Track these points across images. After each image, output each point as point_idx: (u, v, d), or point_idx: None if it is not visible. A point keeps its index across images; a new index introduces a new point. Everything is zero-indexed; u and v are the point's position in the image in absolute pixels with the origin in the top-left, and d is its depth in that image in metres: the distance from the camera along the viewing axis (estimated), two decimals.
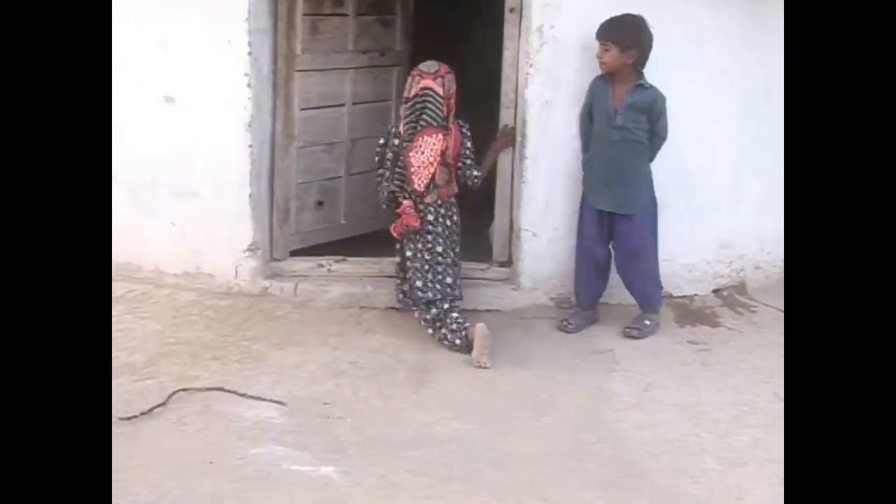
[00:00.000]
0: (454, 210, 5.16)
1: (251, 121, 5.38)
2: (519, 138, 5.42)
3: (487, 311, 5.47)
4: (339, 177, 6.03)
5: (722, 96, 5.68)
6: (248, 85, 5.34)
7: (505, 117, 5.49)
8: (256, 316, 5.38)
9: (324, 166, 5.90)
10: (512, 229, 5.58)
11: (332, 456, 3.90)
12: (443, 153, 5.03)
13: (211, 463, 3.83)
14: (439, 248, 5.09)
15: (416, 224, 5.03)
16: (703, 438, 4.09)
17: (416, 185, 5.02)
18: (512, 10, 5.38)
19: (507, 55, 5.44)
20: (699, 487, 3.69)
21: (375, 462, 3.85)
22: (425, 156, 5.00)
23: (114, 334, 4.91)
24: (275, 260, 5.67)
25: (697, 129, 5.56)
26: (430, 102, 4.98)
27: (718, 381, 4.76)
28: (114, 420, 3.94)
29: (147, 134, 5.55)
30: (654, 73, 5.24)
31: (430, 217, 5.08)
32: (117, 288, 5.54)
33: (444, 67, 5.06)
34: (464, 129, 5.18)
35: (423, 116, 4.98)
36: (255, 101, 5.38)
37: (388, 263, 5.51)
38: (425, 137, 4.99)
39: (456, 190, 5.19)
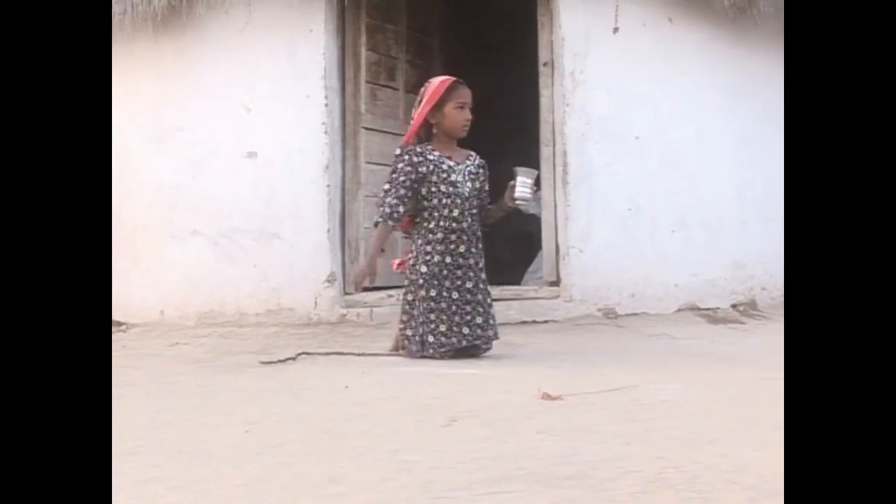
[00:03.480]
0: (411, 247, 4.82)
1: (328, 164, 6.16)
2: (560, 168, 6.25)
3: (545, 321, 6.11)
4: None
5: (720, 137, 6.67)
6: (325, 132, 6.16)
7: (545, 153, 6.34)
8: (338, 336, 5.92)
9: None
10: (558, 251, 6.30)
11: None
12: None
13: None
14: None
15: (394, 267, 4.96)
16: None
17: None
18: (545, 64, 6.36)
19: (544, 101, 6.36)
20: None
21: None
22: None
23: (211, 350, 5.38)
24: (347, 293, 6.29)
25: (703, 165, 6.51)
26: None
27: (767, 339, 5.48)
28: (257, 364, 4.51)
29: (232, 186, 6.28)
30: (664, 121, 6.26)
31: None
32: (201, 332, 6.08)
33: (426, 81, 4.86)
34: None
35: None
36: (331, 147, 6.18)
37: None
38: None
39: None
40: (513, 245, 7.71)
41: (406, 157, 4.63)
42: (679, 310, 6.36)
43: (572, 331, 5.89)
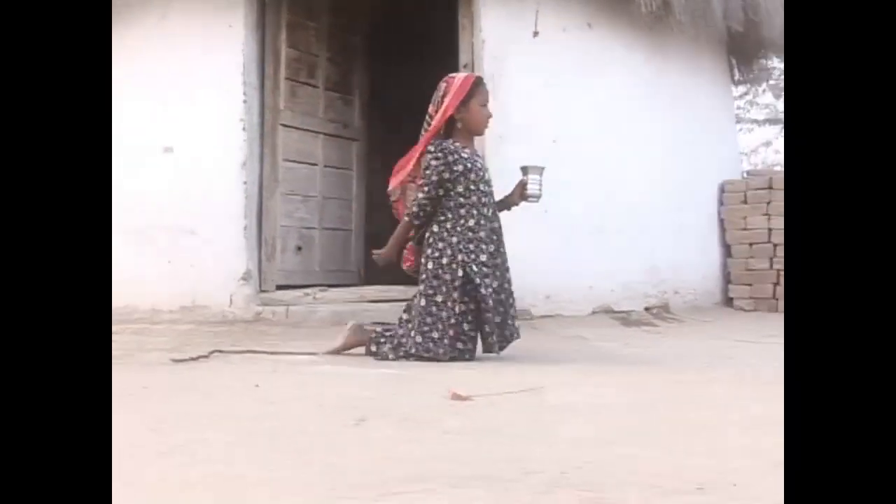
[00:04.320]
0: (434, 242, 4.54)
1: (245, 160, 6.11)
2: None
3: None
4: (315, 228, 6.74)
5: (637, 144, 6.78)
6: (244, 129, 6.12)
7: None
8: (253, 335, 5.88)
9: (301, 215, 6.62)
10: None
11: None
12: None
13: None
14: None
15: (407, 266, 4.77)
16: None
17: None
18: (465, 66, 6.39)
19: None
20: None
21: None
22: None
23: (122, 348, 5.27)
24: (263, 291, 6.25)
25: (620, 171, 6.62)
26: (424, 123, 4.75)
27: (678, 341, 5.57)
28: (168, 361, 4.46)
29: (147, 181, 6.20)
30: (582, 126, 6.35)
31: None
32: (114, 329, 5.98)
33: (445, 79, 4.76)
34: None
35: None
36: (249, 144, 6.14)
37: (368, 290, 6.18)
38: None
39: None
40: None
41: (441, 154, 4.49)
42: (594, 312, 6.45)
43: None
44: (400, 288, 6.26)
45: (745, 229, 7.86)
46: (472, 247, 4.45)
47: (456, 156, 4.50)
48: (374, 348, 4.52)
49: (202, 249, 6.12)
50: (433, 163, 4.48)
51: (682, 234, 7.18)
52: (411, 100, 8.02)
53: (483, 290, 4.39)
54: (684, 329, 6.34)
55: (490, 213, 4.60)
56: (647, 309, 6.75)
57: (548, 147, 6.37)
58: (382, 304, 6.07)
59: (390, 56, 8.05)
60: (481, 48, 6.23)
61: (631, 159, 6.65)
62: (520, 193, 4.71)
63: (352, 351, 4.69)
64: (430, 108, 4.66)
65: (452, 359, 4.38)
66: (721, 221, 7.98)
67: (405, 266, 4.73)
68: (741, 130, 15.11)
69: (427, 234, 4.54)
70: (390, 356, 4.44)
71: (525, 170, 4.72)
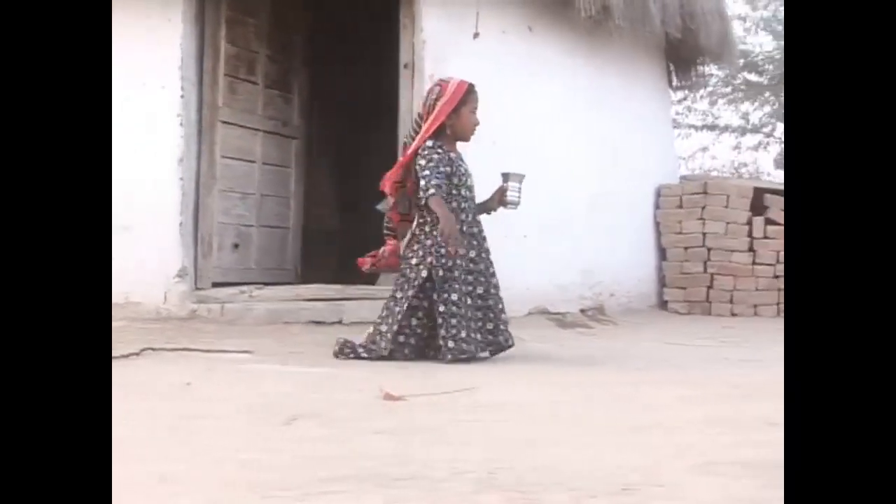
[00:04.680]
0: (411, 244, 4.63)
1: (182, 157, 6.05)
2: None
3: None
4: (252, 225, 6.69)
5: (576, 147, 6.84)
6: (181, 124, 6.05)
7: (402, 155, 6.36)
8: (187, 332, 5.82)
9: (239, 213, 6.57)
10: None
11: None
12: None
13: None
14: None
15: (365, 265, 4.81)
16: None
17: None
18: (406, 66, 6.38)
19: (404, 103, 6.39)
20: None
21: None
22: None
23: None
24: (199, 289, 6.19)
25: (558, 173, 6.67)
26: (413, 124, 4.82)
27: (612, 343, 5.63)
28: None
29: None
30: (522, 128, 6.39)
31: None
32: None
33: (438, 82, 4.81)
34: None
35: None
36: (185, 140, 6.07)
37: (305, 289, 6.16)
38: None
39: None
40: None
41: (438, 150, 4.51)
42: (530, 313, 6.49)
43: None
44: (337, 287, 6.24)
45: (680, 233, 7.97)
46: (443, 251, 4.43)
47: (441, 156, 4.52)
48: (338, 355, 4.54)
49: (136, 246, 6.02)
50: (434, 156, 4.48)
51: (618, 237, 7.25)
52: (352, 99, 8.08)
53: (435, 296, 4.39)
54: (618, 331, 6.41)
55: (469, 219, 4.63)
56: (582, 311, 6.81)
57: (487, 148, 6.37)
58: (318, 303, 6.04)
59: (331, 54, 8.02)
60: (422, 48, 6.23)
61: (569, 162, 6.70)
62: (499, 199, 4.75)
63: (294, 350, 4.69)
64: (421, 110, 4.69)
65: (392, 352, 4.40)
66: (657, 225, 8.08)
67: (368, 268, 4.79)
68: (679, 136, 15.30)
69: (409, 237, 4.60)
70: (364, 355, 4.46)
71: (506, 176, 4.77)
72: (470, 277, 4.54)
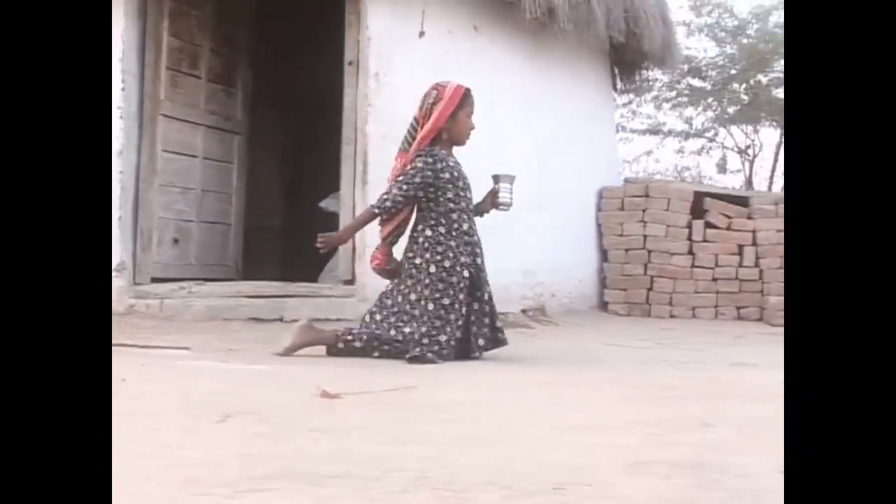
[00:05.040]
0: (432, 246, 4.58)
1: (122, 150, 5.98)
2: (360, 167, 6.28)
3: (338, 319, 6.11)
4: (192, 221, 6.63)
5: (519, 147, 6.87)
6: (121, 117, 5.98)
7: (346, 152, 6.35)
8: (125, 327, 5.75)
9: (179, 208, 6.51)
10: (355, 251, 6.32)
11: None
12: None
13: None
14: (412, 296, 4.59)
15: (375, 265, 4.79)
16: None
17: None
18: (351, 63, 6.37)
19: (347, 100, 6.38)
20: None
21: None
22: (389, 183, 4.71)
23: None
24: (137, 284, 6.12)
25: (482, 182, 6.69)
26: (409, 127, 4.76)
27: (553, 343, 5.66)
28: None
29: None
30: (489, 139, 6.36)
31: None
32: None
33: (435, 86, 4.76)
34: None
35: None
36: (125, 133, 6.00)
37: (245, 286, 6.11)
38: (394, 163, 4.78)
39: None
40: None
41: (430, 160, 4.55)
42: None
43: None
44: (278, 284, 6.22)
45: (621, 235, 8.04)
46: (469, 249, 4.58)
47: (444, 163, 4.58)
48: (341, 345, 4.51)
49: None
50: (419, 165, 4.52)
51: (560, 238, 7.29)
52: (296, 95, 8.04)
53: (478, 294, 4.58)
54: (559, 332, 6.45)
55: (472, 222, 4.73)
56: (523, 311, 6.84)
57: None
58: (259, 300, 6.01)
59: (276, 50, 7.98)
60: (367, 46, 6.22)
61: (507, 161, 6.69)
62: (491, 201, 4.82)
63: (234, 347, 4.65)
64: (417, 113, 4.69)
65: (455, 359, 4.46)
66: (599, 227, 8.14)
67: (373, 264, 4.78)
68: (623, 139, 15.43)
69: (420, 239, 4.57)
70: (374, 354, 4.45)
71: (497, 178, 4.85)
72: (483, 275, 4.69)
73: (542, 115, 6.97)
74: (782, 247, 7.76)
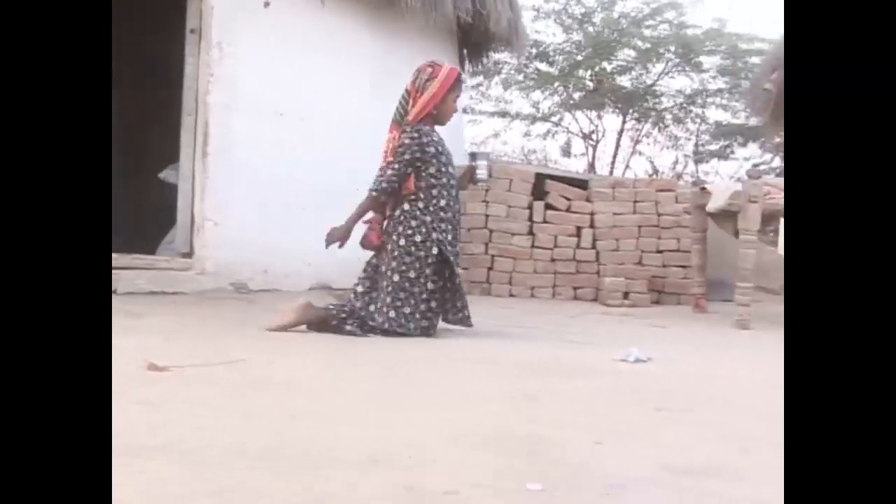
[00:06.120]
0: (407, 220, 4.64)
1: None
2: (201, 138, 6.15)
3: (175, 293, 6.00)
4: None
5: (363, 123, 6.84)
6: None
7: (187, 123, 6.22)
8: None
9: None
10: (194, 223, 6.21)
11: None
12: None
13: None
14: (382, 268, 4.69)
15: (374, 241, 4.78)
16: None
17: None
18: (193, 31, 6.22)
19: (189, 69, 6.24)
20: None
21: None
22: (383, 154, 4.77)
23: None
24: None
25: (342, 148, 6.68)
26: (400, 98, 4.81)
27: None
28: None
29: None
30: (310, 101, 6.36)
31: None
32: None
33: (430, 63, 4.84)
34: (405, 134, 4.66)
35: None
36: None
37: None
38: (386, 135, 4.80)
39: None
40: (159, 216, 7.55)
41: (416, 135, 4.63)
42: (311, 288, 6.49)
43: (202, 304, 5.82)
44: (112, 256, 6.02)
45: (464, 214, 8.11)
46: (443, 226, 4.66)
47: (428, 138, 4.67)
48: (334, 322, 4.55)
49: None
50: (407, 141, 4.63)
51: None
52: (136, 63, 7.77)
53: (456, 269, 4.67)
54: None
55: (455, 195, 4.77)
56: None
57: (274, 120, 6.35)
58: None
59: (114, 17, 7.71)
60: (210, 14, 6.10)
61: (352, 138, 6.69)
62: (469, 177, 4.95)
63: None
64: (410, 87, 4.77)
65: (420, 334, 4.55)
66: None
67: (367, 242, 4.82)
68: (471, 121, 15.58)
69: (398, 213, 4.66)
70: (357, 333, 4.50)
71: (474, 156, 5.04)
72: (455, 250, 4.77)
73: (389, 93, 6.92)
74: (618, 229, 8.00)
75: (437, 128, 4.83)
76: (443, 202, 4.69)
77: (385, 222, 4.76)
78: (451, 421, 2.55)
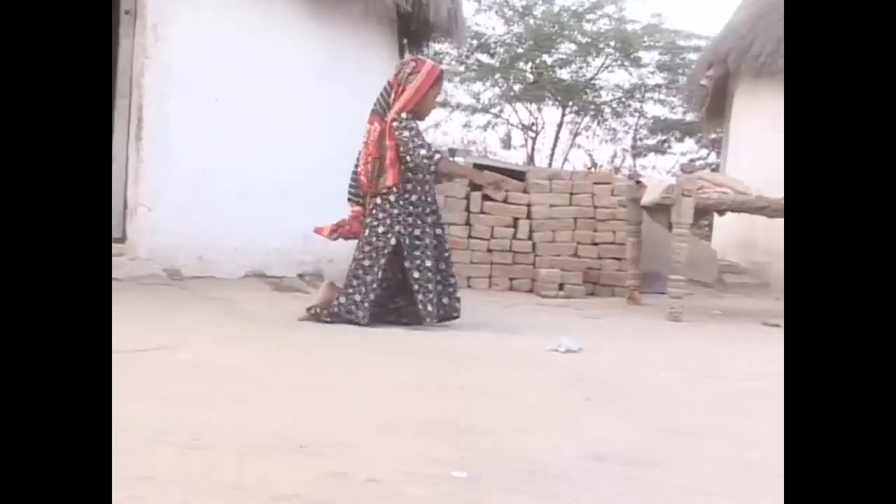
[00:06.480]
0: (375, 212, 4.71)
1: None
2: (135, 122, 6.06)
3: None
4: None
5: (301, 112, 6.82)
6: None
7: (121, 106, 6.12)
8: None
9: None
10: (126, 208, 6.11)
11: None
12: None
13: None
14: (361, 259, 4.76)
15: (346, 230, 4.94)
16: None
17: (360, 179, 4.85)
18: (128, 12, 6.12)
19: (123, 51, 6.13)
20: None
21: None
22: (364, 145, 4.85)
23: None
24: None
25: (281, 136, 6.63)
26: (381, 90, 4.85)
27: None
28: None
29: None
30: (247, 88, 6.29)
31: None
32: None
33: (413, 58, 5.08)
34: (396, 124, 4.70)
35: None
36: None
37: None
38: (366, 126, 4.85)
39: (386, 184, 4.71)
40: None
41: (413, 123, 4.72)
42: (246, 276, 6.43)
43: (133, 290, 5.73)
44: None
45: None
46: (410, 220, 4.67)
47: (414, 131, 4.73)
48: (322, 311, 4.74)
49: None
50: (412, 124, 4.71)
51: (340, 204, 7.25)
52: None
53: (407, 264, 4.63)
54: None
55: (431, 190, 4.81)
56: (300, 275, 6.81)
57: (210, 105, 6.26)
58: None
59: None
60: None
61: (291, 125, 6.63)
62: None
63: None
64: (392, 79, 4.82)
65: (369, 323, 4.59)
66: None
67: (343, 230, 4.97)
68: None
69: (371, 204, 4.74)
70: (325, 320, 4.68)
71: (453, 152, 5.23)
72: (436, 242, 4.77)
73: (328, 81, 6.89)
74: (554, 221, 8.05)
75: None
76: (414, 197, 4.72)
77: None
78: (379, 409, 2.55)
